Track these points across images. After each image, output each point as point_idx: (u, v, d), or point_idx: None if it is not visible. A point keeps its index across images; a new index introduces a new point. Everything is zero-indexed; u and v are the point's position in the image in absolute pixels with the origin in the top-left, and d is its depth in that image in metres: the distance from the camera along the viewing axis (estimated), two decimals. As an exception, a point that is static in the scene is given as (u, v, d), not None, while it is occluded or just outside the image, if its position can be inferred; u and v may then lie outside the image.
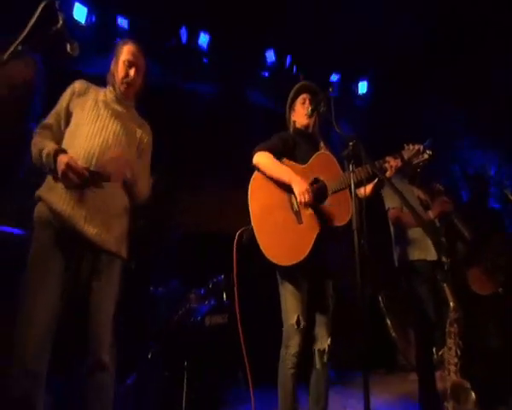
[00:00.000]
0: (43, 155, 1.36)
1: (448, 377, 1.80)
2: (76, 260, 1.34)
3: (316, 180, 1.71)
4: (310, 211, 1.64)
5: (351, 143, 1.42)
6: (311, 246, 1.56)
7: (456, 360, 1.76)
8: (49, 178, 1.40)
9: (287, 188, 1.66)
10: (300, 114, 1.85)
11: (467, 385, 1.64)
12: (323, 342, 1.64)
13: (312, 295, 1.64)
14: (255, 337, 1.66)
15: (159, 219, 3.02)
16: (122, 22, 3.78)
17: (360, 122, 4.48)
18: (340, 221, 1.62)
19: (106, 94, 1.57)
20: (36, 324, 1.22)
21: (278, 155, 1.73)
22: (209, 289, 2.67)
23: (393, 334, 3.26)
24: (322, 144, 1.85)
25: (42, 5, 1.14)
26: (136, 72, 1.58)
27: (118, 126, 1.51)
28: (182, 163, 3.78)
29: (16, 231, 2.04)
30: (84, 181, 1.30)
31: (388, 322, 3.30)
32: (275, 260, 1.55)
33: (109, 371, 1.34)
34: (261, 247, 1.56)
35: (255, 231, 1.60)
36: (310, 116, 1.79)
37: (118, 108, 1.56)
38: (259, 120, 4.35)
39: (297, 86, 1.90)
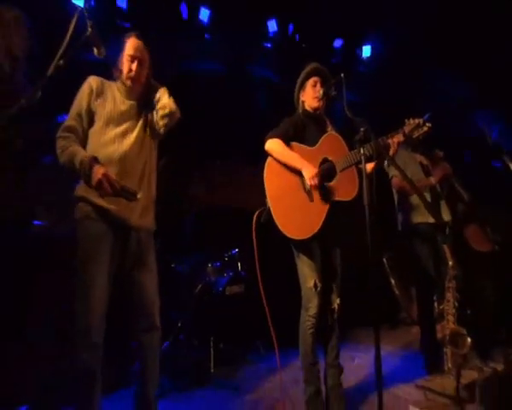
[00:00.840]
0: (77, 163, 1.43)
1: (447, 326, 2.04)
2: (123, 243, 1.54)
3: (325, 160, 1.84)
4: (320, 189, 1.80)
5: (362, 129, 1.50)
6: (322, 220, 1.73)
7: (454, 311, 1.98)
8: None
9: (298, 171, 1.81)
10: (311, 96, 1.92)
11: (463, 332, 1.85)
12: (334, 302, 1.86)
13: (324, 263, 1.83)
14: (273, 305, 1.83)
15: (173, 200, 3.19)
16: (121, 2, 3.75)
17: (364, 87, 4.46)
18: (347, 196, 1.77)
19: (119, 90, 1.62)
20: (96, 301, 1.44)
21: (288, 140, 1.85)
22: (225, 262, 2.91)
23: (397, 292, 3.53)
24: (329, 124, 1.96)
25: (75, 18, 1.23)
26: (139, 65, 1.60)
27: (136, 129, 1.61)
28: (190, 141, 3.89)
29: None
30: (115, 192, 1.42)
31: (392, 281, 3.55)
32: (291, 236, 1.72)
33: (159, 332, 1.61)
34: (278, 225, 1.73)
35: (272, 211, 1.76)
36: (320, 99, 1.88)
37: (128, 103, 1.62)
38: (264, 93, 4.37)
39: (308, 68, 1.96)
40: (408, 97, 3.97)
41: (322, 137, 1.86)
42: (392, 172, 2.55)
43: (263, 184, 1.85)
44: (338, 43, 4.36)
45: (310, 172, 1.75)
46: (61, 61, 1.21)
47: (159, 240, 2.33)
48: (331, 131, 1.91)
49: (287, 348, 2.08)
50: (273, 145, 1.83)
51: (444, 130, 3.85)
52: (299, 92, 2.01)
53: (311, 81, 1.95)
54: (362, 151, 1.53)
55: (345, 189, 1.78)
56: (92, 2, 3.62)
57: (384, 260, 3.63)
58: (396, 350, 3.01)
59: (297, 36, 4.31)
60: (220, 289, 2.72)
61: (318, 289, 1.77)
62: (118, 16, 3.82)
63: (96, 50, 1.36)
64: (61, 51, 1.21)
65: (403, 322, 3.61)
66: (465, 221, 2.66)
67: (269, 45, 4.31)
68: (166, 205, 2.59)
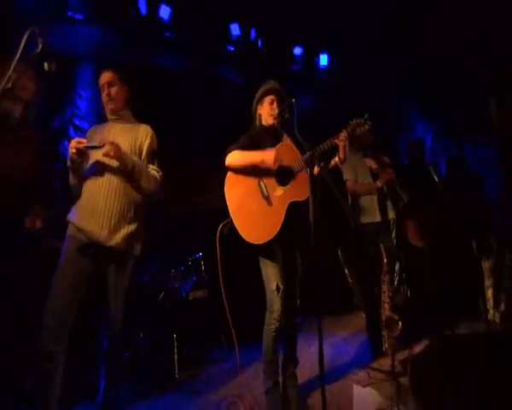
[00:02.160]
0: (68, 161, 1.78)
1: (383, 313, 2.33)
2: (95, 260, 1.76)
3: (280, 166, 1.96)
4: (277, 193, 1.94)
5: (308, 153, 1.76)
6: (281, 221, 1.86)
7: (388, 299, 2.27)
8: (74, 206, 1.83)
9: (255, 177, 1.94)
10: (267, 112, 2.06)
11: (396, 317, 2.12)
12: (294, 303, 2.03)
13: (286, 266, 1.97)
14: (236, 306, 1.96)
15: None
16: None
17: (321, 94, 4.75)
18: (301, 196, 1.91)
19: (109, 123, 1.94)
20: (56, 305, 1.65)
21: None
22: (189, 267, 2.95)
23: (350, 280, 3.91)
24: (285, 136, 2.10)
25: (25, 36, 1.28)
26: (109, 87, 1.87)
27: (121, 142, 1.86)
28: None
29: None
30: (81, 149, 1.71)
31: (346, 271, 3.93)
32: (253, 241, 1.85)
33: (120, 343, 1.81)
34: (240, 233, 1.85)
35: (234, 221, 1.88)
36: (276, 118, 2.03)
37: (119, 126, 1.91)
38: (229, 95, 4.45)
39: (266, 86, 2.10)
40: (361, 105, 4.32)
41: (276, 147, 1.97)
42: (346, 176, 2.83)
43: (223, 185, 1.97)
44: (298, 50, 4.58)
45: (270, 157, 1.87)
46: (9, 84, 1.26)
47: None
48: (286, 141, 2.04)
49: (249, 345, 2.22)
50: (232, 156, 1.95)
51: (390, 136, 4.30)
52: (256, 105, 2.13)
53: (268, 99, 2.07)
54: (304, 157, 1.82)
55: (299, 190, 1.92)
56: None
57: (339, 252, 3.97)
58: (349, 335, 3.31)
59: (259, 41, 4.45)
60: (184, 294, 2.77)
61: (281, 291, 1.89)
62: (72, 8, 3.66)
63: (46, 66, 1.42)
64: (11, 70, 1.25)
65: (356, 307, 3.97)
66: (404, 219, 3.05)
67: (232, 48, 4.40)
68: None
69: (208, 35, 4.22)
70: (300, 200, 1.92)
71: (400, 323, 2.07)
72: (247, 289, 2.57)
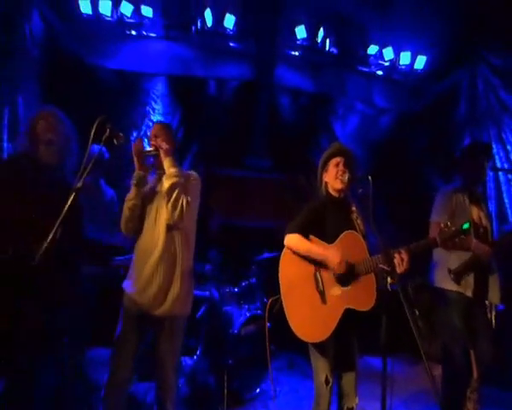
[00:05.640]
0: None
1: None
2: (144, 327, 1.79)
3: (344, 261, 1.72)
4: (334, 292, 1.68)
5: (380, 256, 1.57)
6: (333, 328, 1.63)
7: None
8: (129, 273, 1.83)
9: (313, 266, 1.73)
10: (333, 176, 1.83)
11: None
12: (351, 400, 1.75)
13: (339, 353, 1.73)
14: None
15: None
16: (146, 11, 3.73)
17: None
18: (363, 306, 1.63)
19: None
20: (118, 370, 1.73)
21: (308, 232, 1.76)
22: (243, 291, 2.85)
23: (420, 324, 3.25)
24: (353, 208, 1.82)
25: (95, 125, 1.43)
26: (155, 138, 1.87)
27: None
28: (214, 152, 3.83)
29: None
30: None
31: (416, 312, 3.27)
32: (299, 336, 1.66)
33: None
34: (288, 321, 1.69)
35: (284, 303, 1.72)
36: (344, 182, 1.78)
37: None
38: (293, 100, 4.23)
39: (331, 150, 1.88)
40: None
41: (342, 234, 1.74)
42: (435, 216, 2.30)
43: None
44: (373, 49, 4.08)
45: (335, 259, 1.65)
46: (80, 183, 1.37)
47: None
48: (351, 231, 1.76)
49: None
50: (293, 241, 1.75)
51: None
52: (321, 174, 1.91)
53: (333, 161, 1.85)
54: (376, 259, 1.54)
55: (361, 296, 1.66)
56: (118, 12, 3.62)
57: (409, 288, 3.36)
58: (415, 396, 2.79)
59: (328, 42, 4.10)
60: (235, 331, 2.64)
61: (330, 384, 1.69)
62: (144, 25, 3.83)
63: (115, 142, 1.55)
64: (86, 158, 1.42)
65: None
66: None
67: (298, 53, 4.14)
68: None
69: (272, 39, 4.03)
70: (361, 309, 1.63)
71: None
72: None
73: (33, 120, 1.70)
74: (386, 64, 4.06)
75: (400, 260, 1.59)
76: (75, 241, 1.69)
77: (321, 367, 1.71)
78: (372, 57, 4.08)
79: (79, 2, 3.53)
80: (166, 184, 1.71)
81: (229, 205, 3.54)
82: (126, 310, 1.77)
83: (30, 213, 1.51)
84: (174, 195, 1.70)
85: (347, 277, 1.68)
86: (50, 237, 1.29)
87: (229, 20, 3.92)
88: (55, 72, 3.17)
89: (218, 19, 3.90)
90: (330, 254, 1.66)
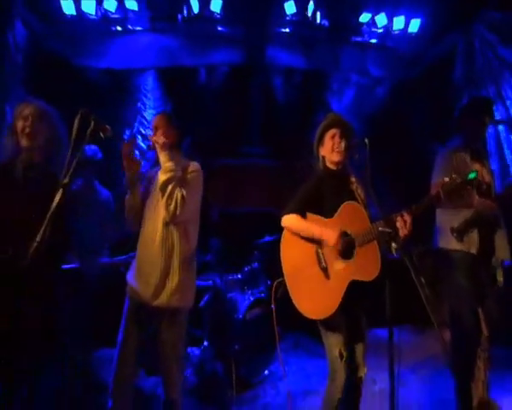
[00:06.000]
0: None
1: (476, 392, 1.93)
2: (146, 320, 1.80)
3: (343, 233, 1.67)
4: (337, 266, 1.66)
5: (381, 222, 1.51)
6: (339, 301, 1.61)
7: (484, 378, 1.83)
8: (132, 264, 1.87)
9: (314, 245, 1.70)
10: (330, 148, 1.77)
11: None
12: (361, 370, 1.75)
13: (349, 329, 1.71)
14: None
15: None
16: (131, 4, 3.67)
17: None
18: (367, 276, 1.60)
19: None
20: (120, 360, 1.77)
21: (305, 210, 1.73)
22: (246, 276, 2.86)
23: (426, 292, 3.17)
24: (353, 179, 1.76)
25: (77, 119, 1.38)
26: (156, 130, 1.85)
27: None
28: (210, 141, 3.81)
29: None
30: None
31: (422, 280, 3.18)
32: (307, 315, 1.65)
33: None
34: (294, 303, 1.67)
35: (288, 287, 1.70)
36: (342, 152, 1.72)
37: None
38: (286, 81, 4.12)
39: (326, 122, 1.81)
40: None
41: (341, 206, 1.69)
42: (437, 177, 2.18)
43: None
44: (366, 17, 3.91)
45: (331, 238, 1.62)
46: (67, 179, 1.34)
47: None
48: (350, 202, 1.71)
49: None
50: (289, 221, 1.73)
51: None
52: (317, 148, 1.84)
53: (329, 133, 1.78)
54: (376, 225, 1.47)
55: (365, 267, 1.63)
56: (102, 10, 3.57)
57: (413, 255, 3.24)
58: (422, 363, 2.79)
59: (319, 14, 3.93)
60: (240, 316, 2.67)
61: (344, 358, 1.66)
62: (130, 19, 3.78)
63: (102, 135, 1.49)
64: (69, 153, 1.36)
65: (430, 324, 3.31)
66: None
67: (288, 29, 4.00)
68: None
69: (261, 18, 3.91)
70: (365, 280, 1.60)
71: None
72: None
73: (13, 117, 1.66)
74: (380, 31, 3.88)
75: (403, 223, 1.52)
76: (64, 238, 1.68)
77: (333, 343, 1.69)
78: (365, 26, 3.91)
79: (61, 2, 3.51)
80: (161, 179, 1.71)
81: (226, 193, 3.54)
82: (129, 301, 1.81)
83: (21, 212, 1.51)
84: (168, 190, 1.69)
85: (350, 249, 1.65)
86: (40, 236, 1.31)
87: (216, 4, 3.80)
88: (41, 76, 3.17)
89: (205, 3, 3.80)
90: (326, 233, 1.63)
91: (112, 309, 1.95)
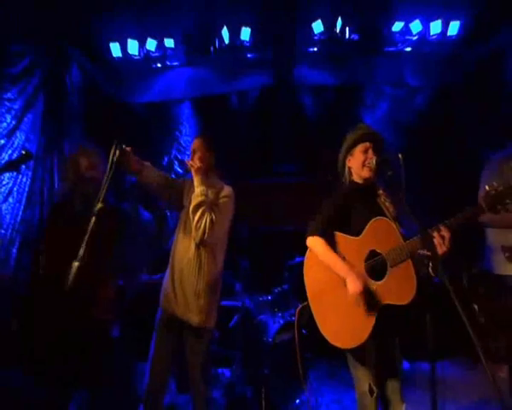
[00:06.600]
0: None
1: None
2: (176, 333, 1.87)
3: (372, 253, 1.55)
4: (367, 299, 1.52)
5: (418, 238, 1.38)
6: (370, 330, 1.47)
7: None
8: (165, 276, 1.94)
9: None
10: (360, 162, 1.66)
11: None
12: (397, 407, 1.56)
13: (381, 357, 1.55)
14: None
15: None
16: (169, 42, 4.01)
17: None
18: (401, 300, 1.44)
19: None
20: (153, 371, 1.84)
21: (331, 229, 1.63)
22: (276, 299, 2.78)
23: (482, 320, 2.70)
24: (380, 191, 1.65)
25: (113, 150, 1.56)
26: (195, 153, 1.94)
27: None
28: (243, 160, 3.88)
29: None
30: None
31: (475, 307, 2.73)
32: (334, 343, 1.54)
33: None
34: (320, 329, 1.58)
35: (312, 311, 1.62)
36: (372, 170, 1.61)
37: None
38: (316, 98, 4.10)
39: (358, 133, 1.70)
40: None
41: (369, 223, 1.56)
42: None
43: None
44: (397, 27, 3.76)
45: (355, 288, 1.48)
46: (100, 204, 1.48)
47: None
48: (378, 218, 1.57)
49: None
50: (314, 243, 1.64)
51: None
52: (345, 158, 1.74)
53: (360, 147, 1.67)
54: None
55: (398, 290, 1.48)
56: (144, 50, 3.96)
57: (464, 278, 2.81)
58: (472, 403, 2.37)
59: (348, 30, 3.89)
60: (270, 339, 2.59)
61: (375, 394, 1.51)
62: (168, 56, 4.12)
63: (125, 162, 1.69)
64: (107, 181, 1.52)
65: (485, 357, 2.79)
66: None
67: (316, 49, 4.01)
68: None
69: (289, 41, 3.99)
70: (399, 304, 1.45)
71: None
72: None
73: (75, 157, 1.90)
74: (415, 38, 3.69)
75: (441, 240, 1.37)
76: (107, 260, 1.83)
77: (362, 376, 1.55)
78: (398, 34, 3.75)
79: (110, 47, 3.97)
80: (193, 202, 1.79)
81: (256, 213, 3.54)
82: (161, 312, 1.90)
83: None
84: (198, 214, 1.76)
85: (381, 270, 1.51)
86: (79, 260, 1.44)
87: (245, 33, 3.99)
88: (93, 113, 3.59)
89: (235, 34, 4.02)
90: (350, 277, 1.49)
91: (150, 325, 2.02)
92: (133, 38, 3.91)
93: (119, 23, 3.79)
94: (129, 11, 3.70)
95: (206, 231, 1.74)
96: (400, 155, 1.43)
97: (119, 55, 4.01)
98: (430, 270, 1.37)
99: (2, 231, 2.65)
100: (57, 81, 3.38)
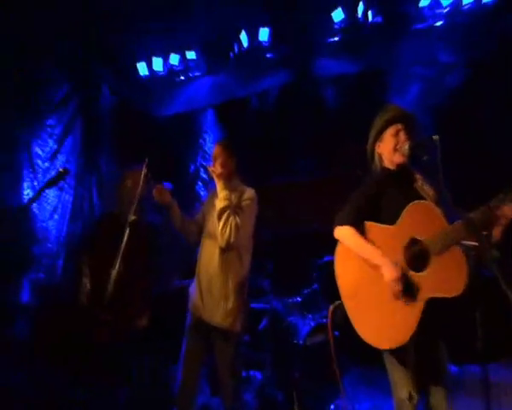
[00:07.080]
0: None
1: None
2: (204, 336, 1.91)
3: (412, 241, 1.39)
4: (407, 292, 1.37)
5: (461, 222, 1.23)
6: (414, 327, 1.32)
7: None
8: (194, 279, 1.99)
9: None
10: (391, 147, 1.53)
11: None
12: None
13: (422, 360, 1.40)
14: None
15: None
16: (190, 55, 4.13)
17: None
18: (450, 291, 1.28)
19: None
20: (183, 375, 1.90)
21: (362, 220, 1.51)
22: (306, 299, 2.74)
23: None
24: (418, 178, 1.51)
25: (144, 166, 1.75)
26: (216, 159, 1.99)
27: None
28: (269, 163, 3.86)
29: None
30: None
31: None
32: (373, 345, 1.40)
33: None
34: (357, 330, 1.44)
35: (347, 310, 1.48)
36: (405, 155, 1.49)
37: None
38: (338, 88, 3.93)
39: (387, 115, 1.57)
40: None
41: (407, 208, 1.40)
42: None
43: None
44: (425, 1, 3.45)
45: (391, 275, 1.35)
46: (133, 216, 1.61)
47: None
48: (417, 202, 1.41)
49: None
50: (343, 236, 1.52)
51: None
52: (374, 144, 1.62)
53: (390, 130, 1.54)
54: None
55: (446, 280, 1.31)
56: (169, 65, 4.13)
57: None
58: None
59: (371, 13, 3.66)
60: (301, 342, 2.55)
61: (415, 401, 1.37)
62: (190, 68, 4.26)
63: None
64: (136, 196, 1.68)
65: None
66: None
67: (337, 38, 3.85)
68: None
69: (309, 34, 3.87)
70: (448, 296, 1.28)
71: None
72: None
73: (122, 180, 2.05)
74: (446, 11, 3.36)
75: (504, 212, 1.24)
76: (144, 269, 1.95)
77: (401, 380, 1.42)
78: (426, 9, 3.45)
79: (137, 66, 4.21)
80: (217, 207, 1.84)
81: (278, 216, 3.49)
82: (190, 316, 1.96)
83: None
84: (223, 218, 1.80)
85: (422, 257, 1.35)
86: (115, 273, 1.56)
87: (264, 34, 3.98)
88: (124, 129, 3.84)
89: (253, 36, 4.02)
90: (386, 265, 1.36)
91: (181, 329, 2.09)
92: (157, 55, 4.11)
93: (144, 42, 4.00)
94: (152, 30, 3.89)
95: (232, 234, 1.78)
96: (435, 137, 1.30)
97: (146, 72, 4.24)
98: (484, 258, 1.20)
99: (49, 245, 2.95)
100: (92, 105, 3.68)
